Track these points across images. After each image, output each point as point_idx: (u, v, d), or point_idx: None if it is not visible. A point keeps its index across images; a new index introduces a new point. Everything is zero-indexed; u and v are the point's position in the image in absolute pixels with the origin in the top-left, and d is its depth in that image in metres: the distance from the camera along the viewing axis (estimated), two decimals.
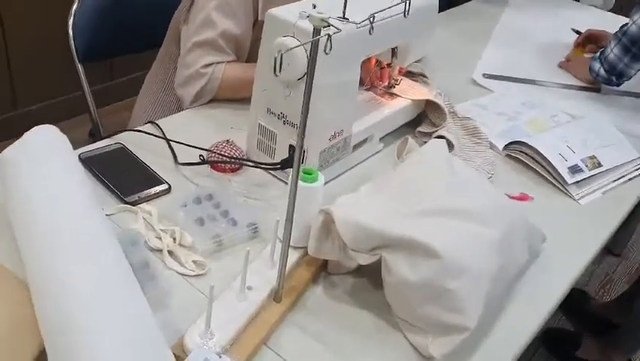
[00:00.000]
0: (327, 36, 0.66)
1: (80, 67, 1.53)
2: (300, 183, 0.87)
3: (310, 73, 0.68)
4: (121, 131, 1.13)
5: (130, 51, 1.62)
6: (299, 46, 0.92)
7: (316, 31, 0.64)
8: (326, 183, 1.11)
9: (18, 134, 0.90)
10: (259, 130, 1.10)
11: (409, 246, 0.79)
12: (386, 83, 1.27)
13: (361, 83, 1.28)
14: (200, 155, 1.10)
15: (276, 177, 1.10)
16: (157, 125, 1.19)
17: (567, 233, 1.09)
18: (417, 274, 0.79)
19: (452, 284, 0.79)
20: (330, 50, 0.68)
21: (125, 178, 1.03)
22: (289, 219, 0.77)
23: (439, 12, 1.94)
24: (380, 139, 1.23)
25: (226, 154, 1.09)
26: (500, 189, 1.15)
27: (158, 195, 1.01)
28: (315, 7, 0.95)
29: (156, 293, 0.82)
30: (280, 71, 0.97)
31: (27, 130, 0.90)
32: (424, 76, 1.39)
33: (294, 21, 0.96)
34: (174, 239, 0.92)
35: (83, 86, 1.54)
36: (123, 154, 1.09)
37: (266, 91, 1.06)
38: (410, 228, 0.81)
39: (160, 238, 0.92)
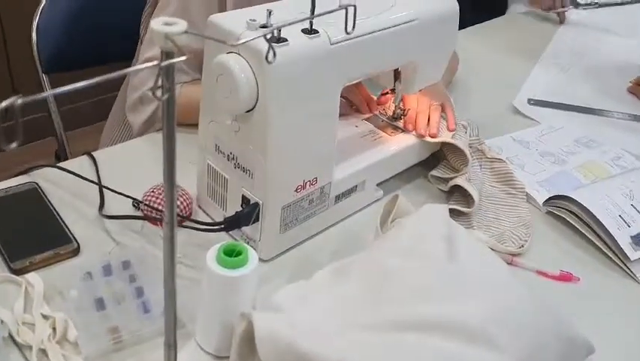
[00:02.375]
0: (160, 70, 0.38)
1: (44, 78, 1.30)
2: (216, 269, 0.59)
3: (168, 122, 0.41)
4: (38, 167, 0.89)
5: (106, 61, 1.38)
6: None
7: (166, 56, 0.37)
8: (297, 245, 0.84)
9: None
10: (208, 172, 0.83)
11: None
12: (391, 113, 0.99)
13: (358, 111, 1.00)
14: (135, 202, 0.85)
15: (230, 235, 0.83)
16: (93, 158, 0.94)
17: (626, 334, 0.78)
18: None
19: None
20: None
21: (23, 233, 0.78)
22: (170, 343, 0.49)
23: (473, 24, 1.64)
24: (378, 184, 0.94)
25: (162, 203, 0.82)
26: (534, 263, 0.85)
27: (59, 259, 0.76)
28: (270, 14, 0.69)
29: None
30: (224, 98, 0.71)
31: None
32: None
33: (240, 32, 0.69)
34: (54, 330, 0.66)
35: (48, 101, 1.31)
36: (33, 198, 0.84)
37: (213, 123, 0.79)
38: (370, 356, 0.52)
39: (34, 329, 0.66)
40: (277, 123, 0.71)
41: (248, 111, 0.71)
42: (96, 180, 0.88)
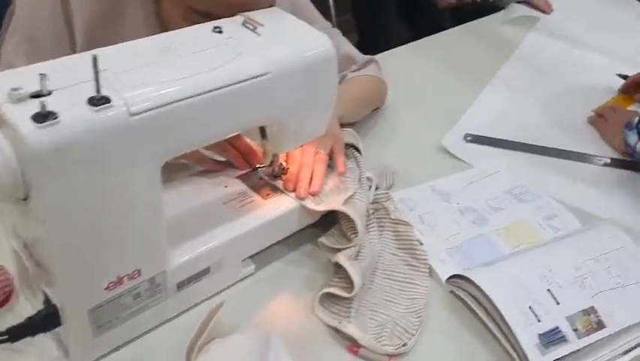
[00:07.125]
0: None
1: None
2: None
3: None
4: None
5: None
6: None
7: None
8: (132, 341, 0.70)
9: None
10: (15, 256, 0.69)
11: None
12: (270, 170, 0.83)
13: (232, 166, 0.85)
14: None
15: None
16: None
17: None
18: None
19: None
20: None
21: None
22: None
23: (441, 30, 1.45)
24: (252, 257, 0.79)
25: None
26: None
27: None
28: (44, 77, 0.54)
29: None
30: None
31: None
32: (356, 148, 0.94)
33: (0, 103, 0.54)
34: None
35: None
36: None
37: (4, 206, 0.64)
38: None
39: None
40: (59, 216, 0.56)
41: (23, 199, 0.57)
42: None
